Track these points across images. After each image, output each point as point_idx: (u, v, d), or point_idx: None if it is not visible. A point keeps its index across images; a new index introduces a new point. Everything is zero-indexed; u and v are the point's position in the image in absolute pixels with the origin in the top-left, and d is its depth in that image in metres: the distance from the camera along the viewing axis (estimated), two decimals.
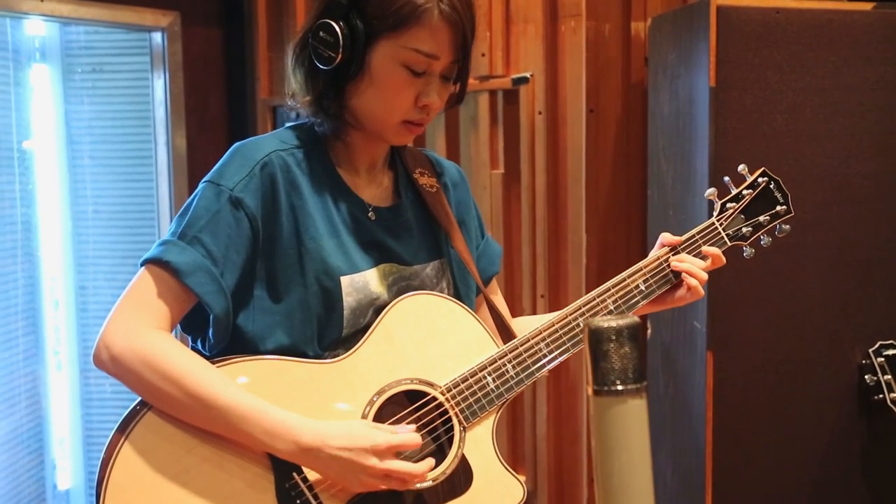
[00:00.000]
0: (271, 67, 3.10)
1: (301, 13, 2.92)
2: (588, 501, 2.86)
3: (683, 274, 1.56)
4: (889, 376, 2.23)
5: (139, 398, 1.37)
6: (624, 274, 1.55)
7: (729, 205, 1.62)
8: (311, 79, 1.44)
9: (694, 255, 1.58)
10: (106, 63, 3.17)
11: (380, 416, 1.41)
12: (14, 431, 3.02)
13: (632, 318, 0.85)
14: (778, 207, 1.63)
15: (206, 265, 1.36)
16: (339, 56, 1.39)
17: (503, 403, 1.47)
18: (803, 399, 2.33)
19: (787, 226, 1.64)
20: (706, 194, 1.64)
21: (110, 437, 1.35)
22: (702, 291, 1.56)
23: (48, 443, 3.20)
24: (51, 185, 3.20)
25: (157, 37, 3.10)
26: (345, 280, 1.42)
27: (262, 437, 1.33)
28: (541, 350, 1.48)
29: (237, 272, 1.39)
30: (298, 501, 1.37)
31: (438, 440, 1.45)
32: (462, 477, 1.44)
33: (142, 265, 1.39)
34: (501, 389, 1.46)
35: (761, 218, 1.62)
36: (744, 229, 1.62)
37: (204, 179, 1.42)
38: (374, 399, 1.41)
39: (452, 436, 1.44)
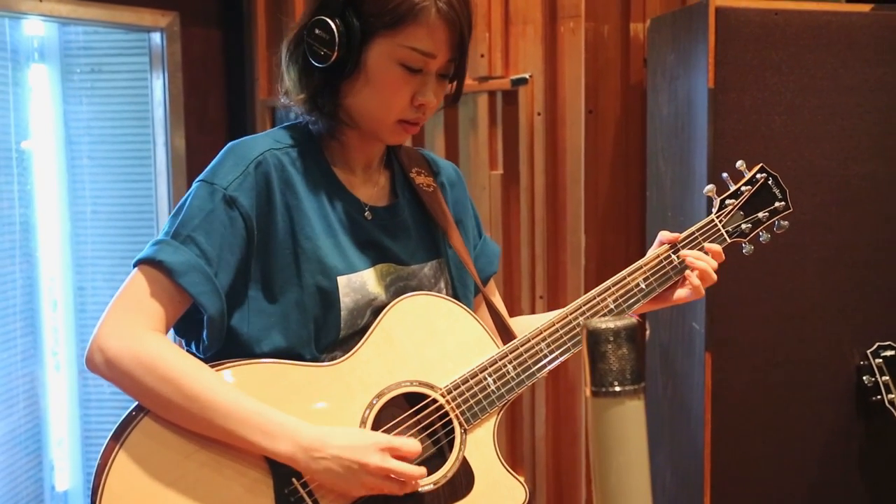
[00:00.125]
0: (270, 68, 3.10)
1: (300, 14, 2.91)
2: (586, 502, 2.86)
3: (688, 272, 1.55)
4: (887, 377, 2.23)
5: (135, 403, 1.34)
6: (624, 272, 1.55)
7: (728, 201, 1.61)
8: (305, 76, 1.43)
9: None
10: (105, 63, 3.17)
11: (379, 419, 1.40)
12: (12, 432, 3.02)
13: (629, 320, 0.85)
14: (777, 203, 1.63)
15: (199, 265, 1.34)
16: (335, 54, 1.37)
17: (504, 404, 1.45)
18: (802, 400, 2.33)
19: (786, 222, 1.64)
20: (705, 191, 1.64)
21: (105, 444, 1.32)
22: (703, 291, 1.56)
23: (46, 444, 3.19)
24: (49, 186, 3.19)
25: (156, 37, 3.09)
26: (342, 280, 1.41)
27: (262, 440, 1.32)
28: (541, 350, 1.47)
29: (231, 272, 1.37)
30: None
31: (439, 443, 1.43)
32: (463, 480, 1.42)
33: (135, 265, 1.37)
34: (502, 390, 1.44)
35: (760, 214, 1.62)
36: (743, 226, 1.61)
37: (198, 178, 1.40)
38: (374, 402, 1.40)
39: (453, 438, 1.42)
